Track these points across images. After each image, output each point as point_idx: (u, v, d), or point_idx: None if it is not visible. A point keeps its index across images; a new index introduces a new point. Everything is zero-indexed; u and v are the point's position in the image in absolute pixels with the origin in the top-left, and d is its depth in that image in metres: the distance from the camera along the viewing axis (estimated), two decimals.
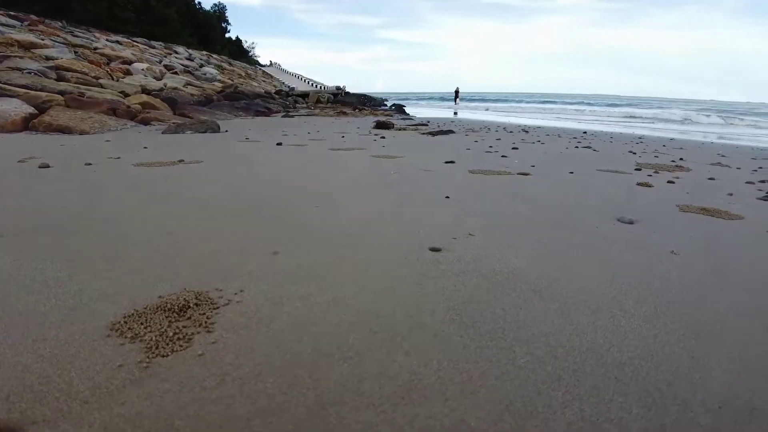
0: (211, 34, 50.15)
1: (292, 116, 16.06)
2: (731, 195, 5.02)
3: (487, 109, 30.56)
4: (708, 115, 27.41)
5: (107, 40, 23.02)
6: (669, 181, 5.67)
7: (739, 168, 7.64)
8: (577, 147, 9.17)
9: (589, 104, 40.01)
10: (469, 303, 1.91)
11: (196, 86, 19.00)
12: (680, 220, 3.59)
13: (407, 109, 23.95)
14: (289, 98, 22.83)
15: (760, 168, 7.93)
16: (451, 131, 11.52)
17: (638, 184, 5.23)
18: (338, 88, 29.12)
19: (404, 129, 12.31)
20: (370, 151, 7.11)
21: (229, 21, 62.77)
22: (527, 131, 12.89)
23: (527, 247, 2.67)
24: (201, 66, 27.57)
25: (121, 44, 23.48)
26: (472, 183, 4.73)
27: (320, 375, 1.41)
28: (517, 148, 8.33)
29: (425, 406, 1.28)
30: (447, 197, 3.91)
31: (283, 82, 29.65)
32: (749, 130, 20.12)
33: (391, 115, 18.31)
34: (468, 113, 25.27)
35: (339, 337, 1.62)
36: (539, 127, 14.80)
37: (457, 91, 36.10)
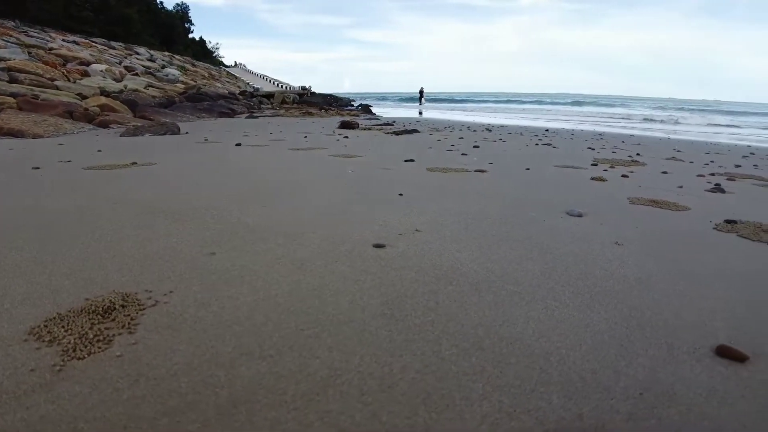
0: (173, 34, 49.18)
1: (257, 117, 15.86)
2: (681, 187, 5.14)
3: (452, 109, 30.81)
4: (666, 112, 28.16)
5: (63, 40, 22.36)
6: (623, 176, 5.77)
7: (692, 162, 7.85)
8: (537, 144, 9.29)
9: (553, 103, 40.68)
10: (404, 297, 1.88)
11: (158, 88, 18.60)
12: (629, 213, 3.64)
13: (374, 109, 23.93)
14: (254, 99, 22.55)
15: (712, 162, 8.16)
16: (415, 131, 11.54)
17: (592, 178, 5.31)
18: (303, 88, 28.87)
19: (369, 129, 12.28)
20: (331, 151, 7.05)
21: (193, 21, 61.77)
22: (490, 130, 13.01)
23: (472, 241, 2.67)
24: (163, 67, 27.02)
25: (78, 45, 22.83)
26: (429, 180, 4.72)
27: (237, 373, 1.36)
28: (478, 146, 8.39)
29: (340, 402, 1.24)
30: (400, 194, 3.89)
31: (248, 83, 29.25)
32: (705, 128, 20.72)
33: (358, 115, 18.26)
34: (434, 113, 25.40)
35: (262, 335, 1.57)
36: (503, 126, 14.96)
37: (421, 91, 36.23)
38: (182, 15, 58.07)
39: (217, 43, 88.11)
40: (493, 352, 1.51)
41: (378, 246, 2.52)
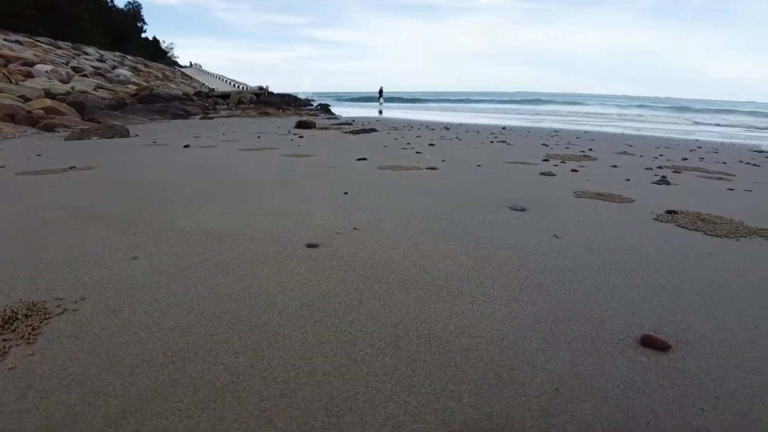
0: (125, 34, 47.76)
1: (212, 118, 15.54)
2: (628, 180, 5.24)
3: (413, 108, 30.90)
4: (622, 108, 28.92)
5: (5, 39, 21.42)
6: (573, 170, 5.86)
7: (641, 156, 8.05)
8: (492, 142, 9.36)
9: (512, 101, 41.30)
10: (327, 298, 1.82)
11: (108, 89, 18.02)
12: (573, 206, 3.67)
13: (334, 109, 23.77)
14: (209, 99, 22.08)
15: (661, 155, 8.39)
16: (373, 130, 11.49)
17: (541, 173, 5.36)
18: (261, 88, 28.40)
19: (327, 128, 12.18)
20: (283, 151, 6.94)
21: (146, 20, 60.20)
22: (449, 128, 13.07)
23: (408, 239, 2.63)
24: (114, 68, 26.18)
25: (21, 44, 21.92)
26: (377, 179, 4.67)
27: (134, 382, 1.27)
28: (433, 145, 8.40)
29: (236, 408, 1.17)
30: (345, 193, 3.83)
31: (204, 83, 28.52)
32: (659, 124, 21.35)
33: (317, 115, 18.10)
34: (395, 112, 25.40)
35: (168, 342, 1.48)
36: (461, 124, 15.06)
37: (381, 91, 36.24)
38: (134, 14, 56.49)
39: (172, 43, 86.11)
40: (409, 351, 1.46)
41: (311, 246, 2.46)
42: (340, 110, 23.87)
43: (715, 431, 1.16)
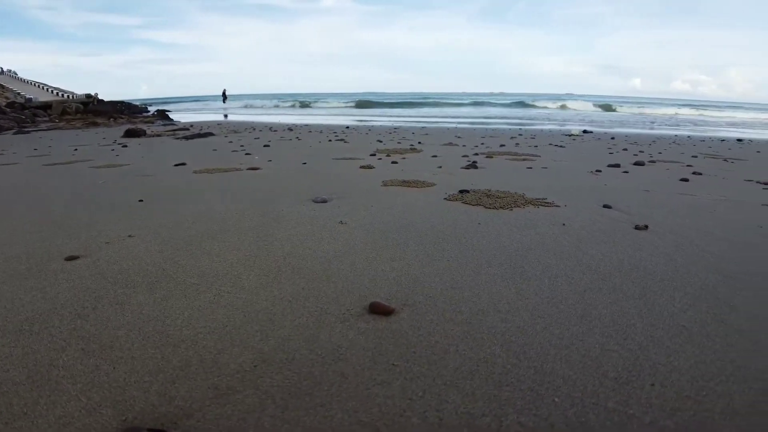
0: None
1: (28, 132, 13.86)
2: (440, 167, 5.58)
3: (263, 107, 30.30)
4: (459, 104, 30.97)
5: None
6: (393, 162, 6.10)
7: (464, 146, 8.63)
8: (330, 140, 9.46)
9: (362, 101, 42.27)
10: (53, 312, 1.67)
11: None
12: (376, 194, 3.80)
13: (173, 115, 22.46)
14: (26, 111, 19.66)
15: (482, 144, 9.08)
16: (210, 134, 11.06)
17: (361, 167, 5.50)
18: (89, 96, 25.90)
19: (159, 135, 11.48)
20: (96, 162, 6.38)
21: None
22: (292, 129, 13.00)
23: (181, 240, 2.53)
24: None
25: None
26: (187, 183, 4.46)
27: None
28: (268, 146, 8.28)
29: None
30: (140, 201, 3.59)
31: (19, 93, 25.21)
32: (492, 119, 23.17)
33: (152, 122, 16.97)
34: (243, 115, 24.70)
35: None
36: (306, 125, 15.06)
37: (224, 93, 35.16)
38: None
39: None
40: (121, 350, 1.38)
41: (71, 258, 2.25)
42: (182, 116, 22.64)
43: (398, 384, 1.23)
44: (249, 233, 2.63)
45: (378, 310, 1.65)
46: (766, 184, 5.17)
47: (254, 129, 13.07)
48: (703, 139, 12.30)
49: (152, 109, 26.31)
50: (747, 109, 41.42)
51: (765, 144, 11.66)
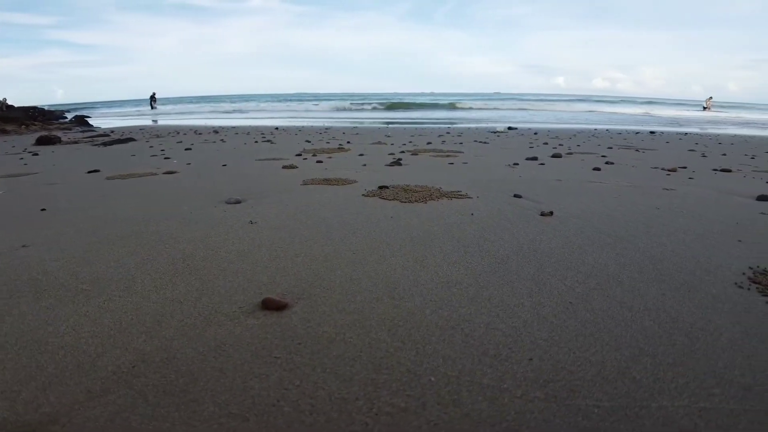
0: None
1: None
2: (365, 165, 5.58)
3: (192, 112, 29.34)
4: (381, 104, 31.28)
5: None
6: (318, 161, 6.04)
7: (393, 144, 8.69)
8: (257, 142, 9.29)
9: (287, 101, 41.83)
10: None
11: None
12: (293, 193, 3.74)
13: (95, 121, 21.31)
14: None
15: (410, 142, 9.17)
16: (131, 139, 10.58)
17: (284, 167, 5.41)
18: None
19: (76, 142, 10.88)
20: (2, 172, 5.94)
21: None
22: (218, 132, 12.66)
23: (87, 247, 2.39)
24: None
25: None
26: (96, 190, 4.23)
27: None
28: (190, 149, 8.02)
29: None
30: (43, 210, 3.37)
31: None
32: (420, 114, 23.49)
33: (70, 129, 16.05)
34: (172, 119, 23.78)
35: None
36: (233, 127, 14.71)
37: (152, 97, 33.76)
38: None
39: None
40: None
41: None
42: (104, 121, 21.56)
43: (276, 375, 1.20)
44: (151, 237, 2.51)
45: (270, 305, 1.61)
46: (669, 170, 5.50)
47: (179, 133, 12.64)
48: (619, 132, 12.99)
49: (71, 115, 24.88)
50: (659, 103, 44.10)
51: (674, 136, 12.45)
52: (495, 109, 29.53)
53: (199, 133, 12.21)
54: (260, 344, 1.37)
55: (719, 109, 33.38)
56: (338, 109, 28.17)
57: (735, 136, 13.44)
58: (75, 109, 33.66)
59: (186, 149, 8.04)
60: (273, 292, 1.75)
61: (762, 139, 12.41)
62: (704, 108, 32.07)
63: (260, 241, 2.40)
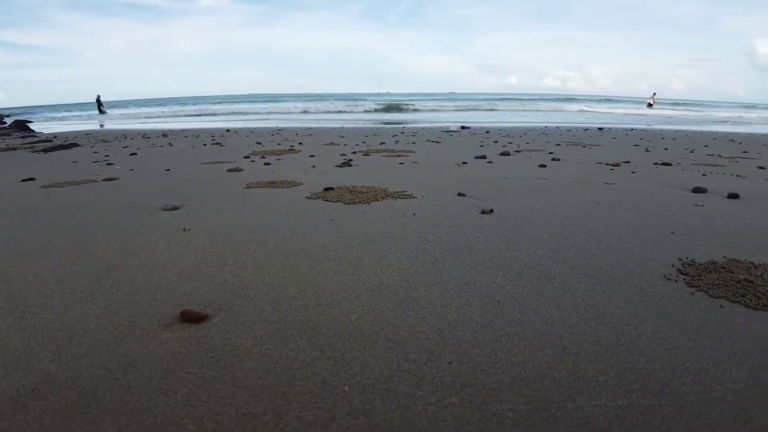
0: None
1: None
2: (314, 167, 5.50)
3: (142, 117, 28.47)
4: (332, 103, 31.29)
5: None
6: (266, 164, 5.93)
7: (346, 145, 8.62)
8: (206, 145, 9.08)
9: (245, 102, 41.16)
10: None
11: None
12: (236, 197, 3.63)
13: (37, 125, 20.40)
14: None
15: (364, 142, 9.12)
16: (75, 144, 10.17)
17: (229, 170, 5.29)
18: None
19: (14, 148, 10.35)
20: None
21: None
22: (167, 135, 12.31)
23: (7, 261, 2.24)
24: None
25: None
26: (27, 200, 4.00)
27: None
28: (135, 154, 7.76)
29: None
30: None
31: None
32: (378, 115, 23.48)
33: (9, 134, 15.30)
34: (118, 123, 23.04)
35: None
36: (184, 130, 14.35)
37: (98, 100, 32.46)
38: None
39: None
40: None
41: None
42: (48, 125, 20.67)
43: (184, 391, 1.12)
44: (78, 248, 2.38)
45: (188, 317, 1.53)
46: (613, 165, 5.63)
47: (126, 137, 12.22)
48: (569, 129, 13.30)
49: (11, 120, 23.76)
50: (603, 101, 45.50)
51: (621, 132, 12.83)
52: (450, 108, 29.83)
53: (148, 137, 11.85)
54: (173, 359, 1.29)
55: (663, 106, 34.75)
56: (291, 112, 27.88)
57: (678, 131, 13.98)
58: (15, 114, 32.12)
59: (131, 154, 7.77)
60: (195, 303, 1.66)
61: (703, 134, 12.95)
62: (649, 105, 33.29)
63: (190, 249, 2.30)
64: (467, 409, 1.06)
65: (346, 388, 1.13)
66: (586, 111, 28.85)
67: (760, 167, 5.92)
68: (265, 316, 1.54)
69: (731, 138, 11.39)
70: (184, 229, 2.67)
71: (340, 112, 27.71)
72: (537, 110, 28.98)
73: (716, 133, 13.62)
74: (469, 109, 26.26)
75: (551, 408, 1.07)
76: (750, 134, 13.44)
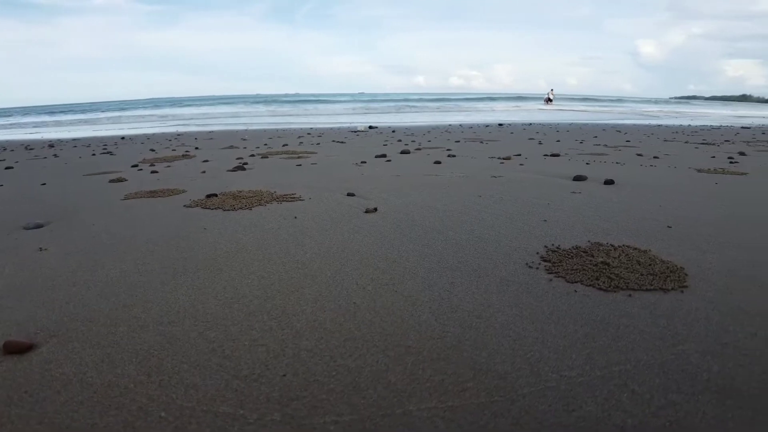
0: None
1: None
2: (204, 172, 5.26)
3: (30, 125, 26.21)
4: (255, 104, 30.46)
5: None
6: (154, 171, 5.61)
7: (245, 148, 8.36)
8: (95, 154, 8.53)
9: (137, 108, 39.07)
10: None
11: None
12: (108, 209, 3.37)
13: None
14: None
15: (266, 144, 8.90)
16: None
17: (111, 180, 4.95)
18: None
19: None
20: None
21: None
22: (53, 146, 11.40)
23: None
24: None
25: None
26: None
27: None
28: (12, 168, 7.10)
29: None
30: None
31: None
32: (287, 117, 23.13)
33: None
34: (12, 132, 21.08)
35: None
36: (74, 140, 13.36)
37: None
38: None
39: None
40: None
41: None
42: None
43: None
44: None
45: (11, 348, 1.36)
46: (504, 159, 5.84)
47: (4, 149, 11.19)
48: (470, 126, 13.72)
49: None
50: (506, 99, 47.61)
51: (519, 126, 13.41)
52: (360, 110, 29.92)
53: (31, 149, 10.91)
54: None
55: (561, 102, 36.85)
56: (193, 117, 26.75)
57: (572, 123, 14.83)
58: None
59: (7, 168, 7.10)
60: (26, 330, 1.49)
61: (595, 125, 13.82)
62: (549, 100, 35.17)
63: (40, 271, 2.08)
64: (287, 425, 1.00)
65: (163, 414, 1.03)
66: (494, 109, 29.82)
67: (639, 154, 6.38)
68: (98, 340, 1.40)
69: (618, 129, 12.24)
70: (41, 249, 2.43)
71: (243, 114, 26.96)
72: (443, 111, 29.69)
73: (606, 125, 14.59)
74: (376, 112, 26.40)
75: (377, 416, 1.03)
76: (634, 125, 14.52)
